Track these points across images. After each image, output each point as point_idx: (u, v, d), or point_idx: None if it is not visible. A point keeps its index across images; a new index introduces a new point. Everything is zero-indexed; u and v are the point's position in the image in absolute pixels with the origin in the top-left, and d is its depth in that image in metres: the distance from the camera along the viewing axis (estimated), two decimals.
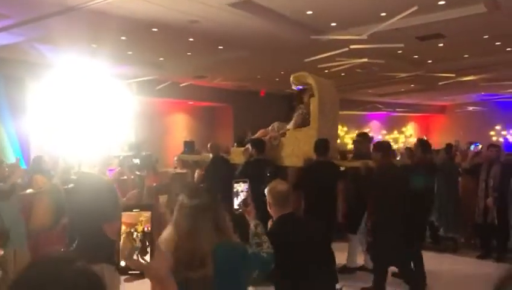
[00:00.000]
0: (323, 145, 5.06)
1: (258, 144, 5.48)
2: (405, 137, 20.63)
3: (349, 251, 5.83)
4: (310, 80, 5.79)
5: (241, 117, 13.52)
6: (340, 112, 20.40)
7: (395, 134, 20.59)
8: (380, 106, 17.94)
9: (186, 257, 1.87)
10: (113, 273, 2.54)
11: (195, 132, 13.70)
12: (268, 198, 2.89)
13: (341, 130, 18.41)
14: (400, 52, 9.01)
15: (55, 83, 9.08)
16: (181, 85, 11.80)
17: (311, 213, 4.78)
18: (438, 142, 18.02)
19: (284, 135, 5.80)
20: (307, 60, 8.16)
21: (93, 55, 8.34)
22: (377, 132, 19.84)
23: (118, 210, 1.96)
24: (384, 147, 4.95)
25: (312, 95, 5.66)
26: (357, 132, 18.91)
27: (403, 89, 15.14)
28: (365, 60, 8.20)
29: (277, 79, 12.28)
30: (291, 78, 6.13)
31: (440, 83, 12.56)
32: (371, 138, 6.98)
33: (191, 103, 13.65)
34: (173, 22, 6.74)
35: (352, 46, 7.30)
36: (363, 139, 6.17)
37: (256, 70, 11.08)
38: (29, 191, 5.15)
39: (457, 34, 7.80)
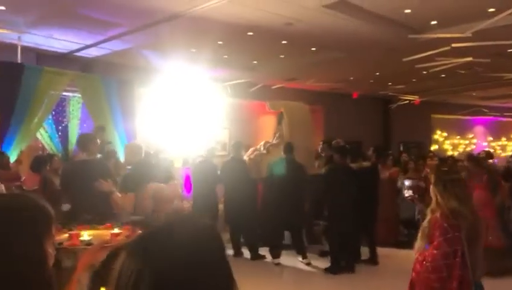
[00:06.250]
0: (287, 146, 6.80)
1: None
2: None
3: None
4: (281, 107, 8.38)
5: (332, 119, 13.39)
6: (440, 116, 19.00)
7: (503, 141, 18.80)
8: (485, 110, 16.56)
9: None
10: None
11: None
12: None
13: (440, 135, 17.26)
14: (509, 50, 8.26)
15: (159, 86, 9.79)
16: (273, 87, 12.01)
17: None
18: None
19: (268, 151, 7.93)
20: (404, 59, 7.85)
21: (192, 60, 8.86)
22: (481, 139, 18.31)
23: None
24: (341, 149, 6.53)
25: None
26: (458, 137, 17.71)
27: None
28: (469, 59, 7.64)
29: (371, 81, 11.94)
30: (267, 105, 8.98)
31: None
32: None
33: None
34: (268, 25, 6.91)
35: (454, 45, 6.86)
36: (327, 146, 7.78)
37: (349, 72, 10.90)
38: None
39: None
